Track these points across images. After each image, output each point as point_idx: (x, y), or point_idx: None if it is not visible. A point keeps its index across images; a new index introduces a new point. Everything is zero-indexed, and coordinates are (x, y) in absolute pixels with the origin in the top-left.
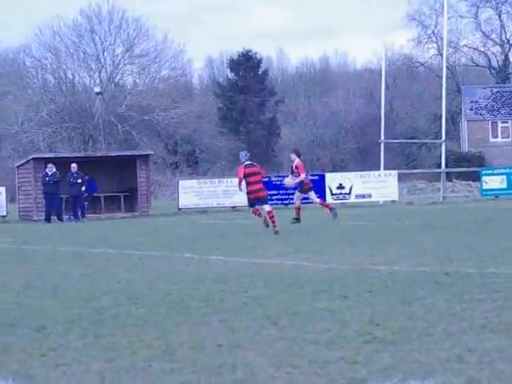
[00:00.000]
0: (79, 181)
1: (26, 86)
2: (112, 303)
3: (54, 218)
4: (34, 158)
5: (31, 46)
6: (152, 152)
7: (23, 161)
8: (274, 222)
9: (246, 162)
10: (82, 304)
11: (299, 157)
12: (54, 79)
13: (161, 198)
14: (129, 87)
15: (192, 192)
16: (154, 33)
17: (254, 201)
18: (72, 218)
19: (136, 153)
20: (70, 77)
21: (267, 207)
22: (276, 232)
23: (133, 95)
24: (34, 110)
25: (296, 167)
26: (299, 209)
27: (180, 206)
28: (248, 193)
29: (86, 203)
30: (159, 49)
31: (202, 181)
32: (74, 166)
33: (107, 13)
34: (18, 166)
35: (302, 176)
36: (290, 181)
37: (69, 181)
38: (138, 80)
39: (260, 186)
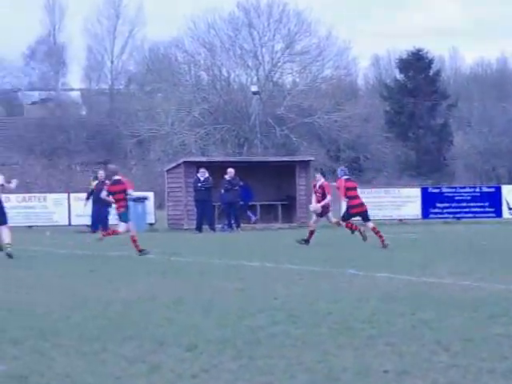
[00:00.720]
0: (236, 188)
1: (177, 84)
2: (269, 321)
3: (205, 227)
4: (185, 162)
5: (184, 40)
6: (313, 158)
7: (173, 164)
8: (381, 237)
9: (345, 177)
10: (236, 322)
11: (324, 177)
12: (208, 76)
13: None
14: (288, 87)
15: None
16: (317, 28)
17: (355, 215)
18: (225, 227)
19: (295, 158)
20: (225, 74)
21: (370, 224)
22: (385, 246)
23: (292, 95)
24: (186, 109)
25: (320, 187)
26: (313, 232)
27: None
28: (350, 207)
29: (252, 215)
30: (322, 46)
31: (366, 190)
32: (230, 170)
33: (266, 6)
34: (167, 170)
35: (329, 198)
36: (315, 206)
37: (224, 187)
38: (298, 79)
39: (361, 200)
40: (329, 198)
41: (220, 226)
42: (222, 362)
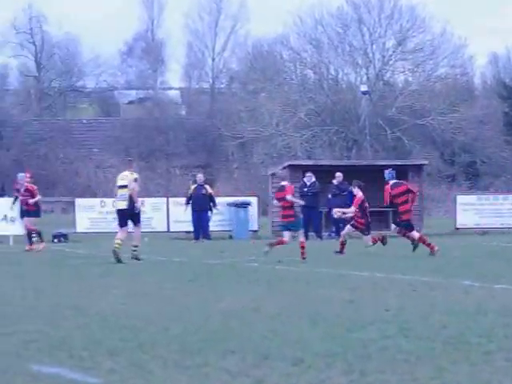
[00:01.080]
0: (344, 193)
1: (282, 83)
2: (380, 334)
3: (311, 234)
4: (290, 165)
5: (289, 36)
6: (426, 162)
7: (278, 168)
8: (429, 245)
9: (392, 182)
10: (345, 334)
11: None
12: (315, 75)
13: (435, 215)
14: (400, 86)
15: (472, 209)
16: (431, 24)
17: (409, 221)
18: (333, 234)
19: (408, 162)
20: (333, 73)
21: (415, 234)
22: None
23: (404, 96)
24: (291, 109)
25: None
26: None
27: (457, 226)
28: (402, 213)
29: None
30: (436, 43)
31: (483, 196)
32: (338, 175)
33: (377, 0)
34: (271, 174)
35: (352, 209)
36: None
37: (332, 192)
38: (410, 78)
39: (408, 206)
40: (353, 208)
41: (327, 233)
42: (331, 376)
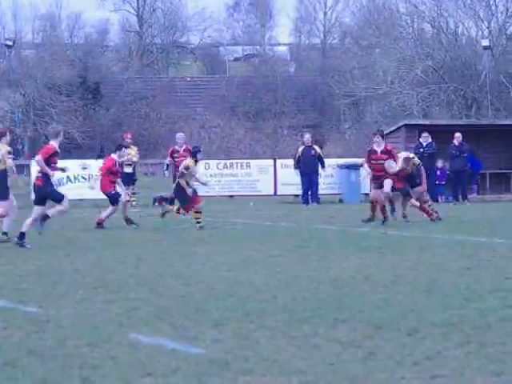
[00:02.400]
0: (464, 154)
1: (398, 38)
2: (500, 304)
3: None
4: (405, 125)
5: None
6: None
7: (393, 128)
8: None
9: None
10: (462, 304)
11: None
12: (433, 29)
13: None
14: None
15: None
16: None
17: None
18: (451, 198)
19: None
20: (452, 27)
21: None
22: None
23: None
24: (407, 66)
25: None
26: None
27: None
28: None
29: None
30: None
31: None
32: (458, 135)
33: None
34: (386, 134)
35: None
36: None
37: (451, 153)
38: None
39: None
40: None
41: (444, 196)
42: (447, 348)
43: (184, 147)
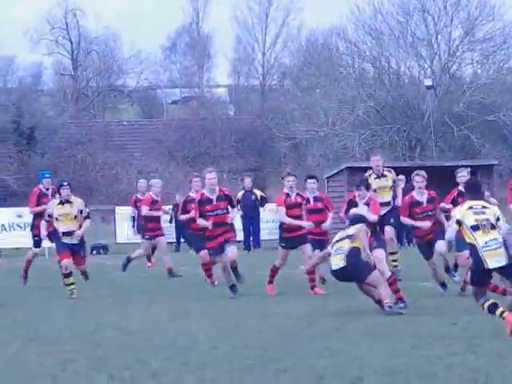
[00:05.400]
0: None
1: (338, 78)
2: (446, 351)
3: None
4: (348, 168)
5: (346, 27)
6: (496, 161)
7: (334, 171)
8: None
9: None
10: (408, 351)
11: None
12: (374, 69)
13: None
14: (468, 80)
15: None
16: (502, 11)
17: None
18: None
19: (476, 162)
20: (394, 66)
21: None
22: None
23: (473, 90)
24: (349, 107)
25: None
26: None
27: None
28: None
29: None
30: (508, 31)
31: None
32: (401, 177)
33: None
34: (327, 178)
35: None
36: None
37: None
38: (479, 71)
39: None
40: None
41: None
42: None
43: (147, 195)
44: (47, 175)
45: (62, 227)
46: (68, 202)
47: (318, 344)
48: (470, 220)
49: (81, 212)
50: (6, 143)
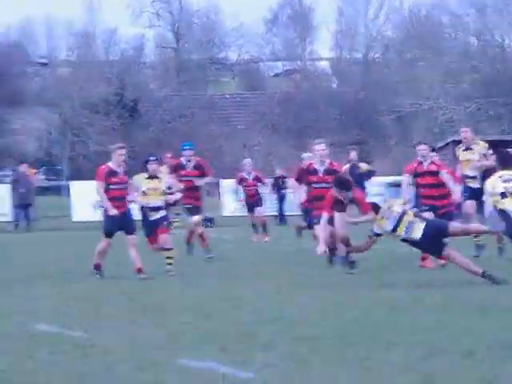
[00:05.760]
0: None
1: (442, 51)
2: None
3: None
4: (454, 141)
5: (449, 0)
6: None
7: (440, 144)
8: None
9: None
10: None
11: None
12: (478, 42)
13: None
14: None
15: None
16: None
17: None
18: None
19: None
20: (498, 39)
21: None
22: None
23: None
24: (453, 80)
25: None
26: None
27: None
28: None
29: None
30: None
31: None
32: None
33: None
34: (433, 150)
35: None
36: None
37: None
38: None
39: None
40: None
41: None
42: (507, 370)
43: (253, 175)
44: (187, 147)
45: (150, 202)
46: (156, 177)
47: (428, 318)
48: (499, 187)
49: None
50: (109, 116)
